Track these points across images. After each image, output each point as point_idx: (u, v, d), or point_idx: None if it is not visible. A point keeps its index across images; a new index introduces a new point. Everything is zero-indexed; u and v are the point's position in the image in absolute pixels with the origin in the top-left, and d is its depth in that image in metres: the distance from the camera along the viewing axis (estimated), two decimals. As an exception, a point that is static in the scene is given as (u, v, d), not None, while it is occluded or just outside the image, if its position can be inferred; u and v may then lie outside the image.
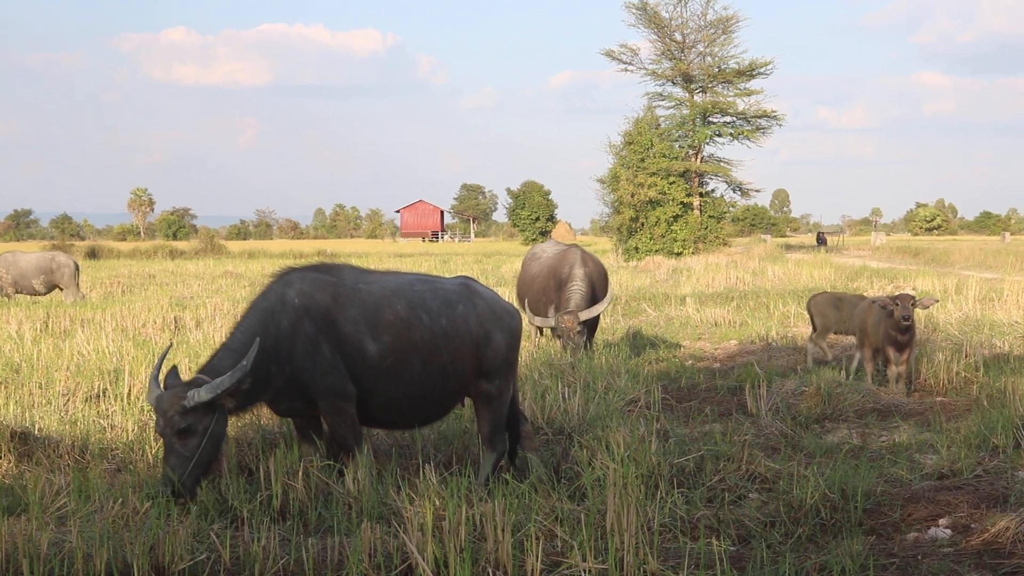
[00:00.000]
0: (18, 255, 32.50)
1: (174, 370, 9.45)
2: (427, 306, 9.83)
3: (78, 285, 32.04)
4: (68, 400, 12.89)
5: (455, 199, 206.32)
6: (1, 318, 23.13)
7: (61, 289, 31.75)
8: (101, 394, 13.00)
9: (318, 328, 9.35)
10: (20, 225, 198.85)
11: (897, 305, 14.72)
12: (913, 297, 14.98)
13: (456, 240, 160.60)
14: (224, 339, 9.75)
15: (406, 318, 9.66)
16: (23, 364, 15.64)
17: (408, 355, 9.62)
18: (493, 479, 9.74)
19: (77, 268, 32.39)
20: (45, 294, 32.04)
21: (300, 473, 8.90)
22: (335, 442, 9.64)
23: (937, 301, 15.90)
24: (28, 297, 31.74)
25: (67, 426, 11.57)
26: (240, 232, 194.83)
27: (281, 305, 9.38)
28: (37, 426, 11.43)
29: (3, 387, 13.91)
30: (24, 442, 10.72)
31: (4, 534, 7.31)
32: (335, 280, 9.69)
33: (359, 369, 9.48)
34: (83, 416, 11.94)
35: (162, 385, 9.20)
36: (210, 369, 9.13)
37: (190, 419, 8.77)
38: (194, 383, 8.95)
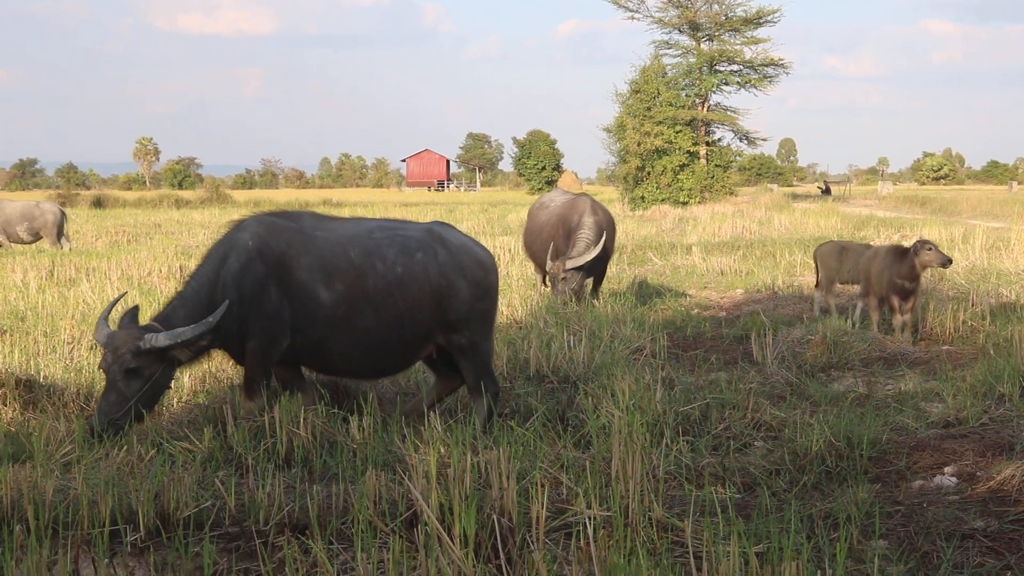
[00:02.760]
0: (3, 203, 32.41)
1: (135, 310, 9.44)
2: (383, 254, 9.70)
3: (63, 234, 31.88)
4: (73, 348, 12.90)
5: (461, 148, 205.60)
6: (6, 267, 23.16)
7: (45, 238, 31.65)
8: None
9: (269, 271, 9.30)
10: (26, 175, 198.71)
11: (931, 250, 14.73)
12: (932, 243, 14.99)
13: (462, 189, 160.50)
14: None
15: (360, 266, 9.56)
16: (28, 313, 15.69)
17: (361, 304, 9.54)
18: (494, 424, 9.76)
19: (64, 217, 32.26)
20: (31, 242, 31.94)
21: (304, 421, 8.91)
22: (244, 380, 9.60)
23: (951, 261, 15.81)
24: (34, 247, 31.72)
25: (72, 374, 11.58)
26: (246, 181, 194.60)
27: (234, 248, 9.32)
28: (42, 374, 11.44)
29: (8, 335, 13.95)
30: (29, 390, 10.73)
31: (9, 480, 7.32)
32: (292, 226, 9.62)
33: (313, 317, 9.43)
34: (88, 364, 11.95)
35: (114, 327, 9.20)
36: (163, 318, 9.12)
37: (140, 361, 8.78)
38: (148, 328, 8.94)
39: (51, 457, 8.37)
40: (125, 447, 8.50)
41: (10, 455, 8.64)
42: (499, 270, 22.64)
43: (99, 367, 9.14)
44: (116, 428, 8.70)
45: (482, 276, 10.18)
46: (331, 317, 9.46)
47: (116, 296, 10.17)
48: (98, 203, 74.78)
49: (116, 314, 10.39)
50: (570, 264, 17.42)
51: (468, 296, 10.01)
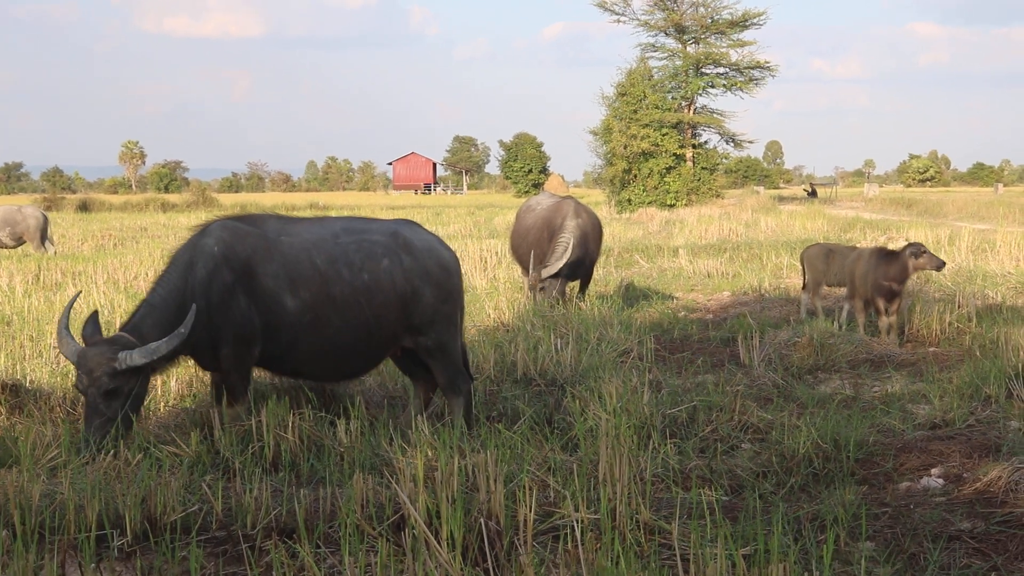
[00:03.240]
0: None
1: (95, 317, 9.32)
2: (349, 260, 9.67)
3: (47, 238, 31.75)
4: (59, 353, 12.87)
5: (447, 151, 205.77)
6: (-8, 271, 23.10)
7: (29, 242, 31.55)
8: (93, 346, 12.98)
9: (236, 278, 9.24)
10: (11, 178, 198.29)
11: (924, 254, 14.75)
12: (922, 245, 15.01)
13: (449, 192, 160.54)
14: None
15: (325, 273, 9.53)
16: (14, 317, 15.66)
17: (327, 311, 9.51)
18: (474, 420, 9.82)
19: (46, 221, 32.11)
20: (14, 247, 31.77)
21: (292, 424, 8.90)
22: (225, 387, 9.55)
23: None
24: (19, 251, 31.62)
25: (58, 379, 11.56)
26: (232, 185, 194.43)
27: (200, 254, 9.25)
28: (28, 378, 11.43)
29: (-6, 340, 13.92)
30: (15, 394, 10.71)
31: (-5, 486, 7.31)
32: (257, 231, 9.55)
33: (279, 323, 9.39)
34: (74, 369, 11.91)
35: (78, 336, 9.14)
36: (132, 328, 9.04)
37: (118, 381, 8.72)
38: (118, 341, 8.86)
39: (37, 462, 8.34)
40: (112, 451, 8.48)
41: (-4, 460, 8.63)
42: (487, 273, 22.85)
43: (74, 387, 9.09)
44: (100, 447, 8.61)
45: (445, 278, 10.18)
46: (297, 324, 9.44)
47: (71, 299, 10.08)
48: (84, 207, 74.66)
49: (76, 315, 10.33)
50: (545, 272, 17.49)
51: (432, 300, 10.01)
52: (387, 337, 9.91)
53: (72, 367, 11.66)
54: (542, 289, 17.50)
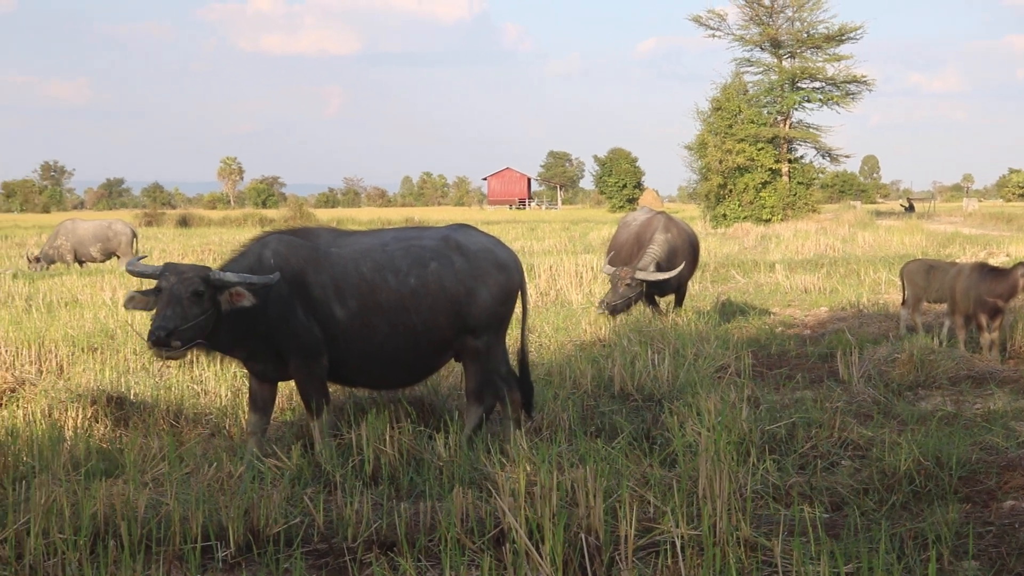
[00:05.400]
0: (77, 223, 32.94)
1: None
2: (395, 266, 9.74)
3: (136, 253, 32.23)
4: (162, 366, 13.07)
5: (542, 166, 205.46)
6: (95, 285, 23.54)
7: (119, 257, 32.07)
8: (194, 360, 13.16)
9: (292, 290, 9.38)
10: (113, 194, 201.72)
11: None
12: None
13: (543, 207, 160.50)
14: None
15: (371, 280, 9.63)
16: (117, 330, 15.88)
17: (375, 318, 9.61)
18: (480, 434, 9.85)
19: (135, 236, 32.68)
20: (103, 261, 32.38)
21: (391, 438, 8.97)
22: (302, 401, 9.73)
23: None
24: (117, 265, 32.15)
25: (161, 391, 11.76)
26: (328, 200, 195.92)
27: (258, 264, 9.39)
28: (132, 391, 11.63)
29: (99, 353, 14.17)
30: (120, 407, 10.93)
31: (103, 496, 7.44)
32: (309, 244, 9.71)
33: (330, 333, 9.51)
34: (177, 382, 12.12)
35: None
36: None
37: (206, 287, 8.85)
38: None
39: (143, 473, 8.51)
40: (215, 464, 8.61)
41: (102, 471, 8.79)
42: (582, 288, 22.85)
43: (157, 287, 8.98)
44: (172, 345, 8.64)
45: (504, 278, 10.21)
46: (347, 332, 9.56)
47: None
48: (183, 222, 75.90)
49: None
50: (640, 275, 17.33)
51: (491, 301, 10.06)
52: (438, 341, 9.96)
53: (175, 382, 11.88)
54: (628, 285, 17.26)
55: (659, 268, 17.61)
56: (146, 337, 8.72)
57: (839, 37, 69.32)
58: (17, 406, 11.13)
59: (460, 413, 10.35)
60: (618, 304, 17.22)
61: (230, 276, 8.91)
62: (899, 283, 18.37)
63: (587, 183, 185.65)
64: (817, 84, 70.34)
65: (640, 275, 17.34)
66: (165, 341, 8.54)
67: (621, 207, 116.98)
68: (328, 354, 9.59)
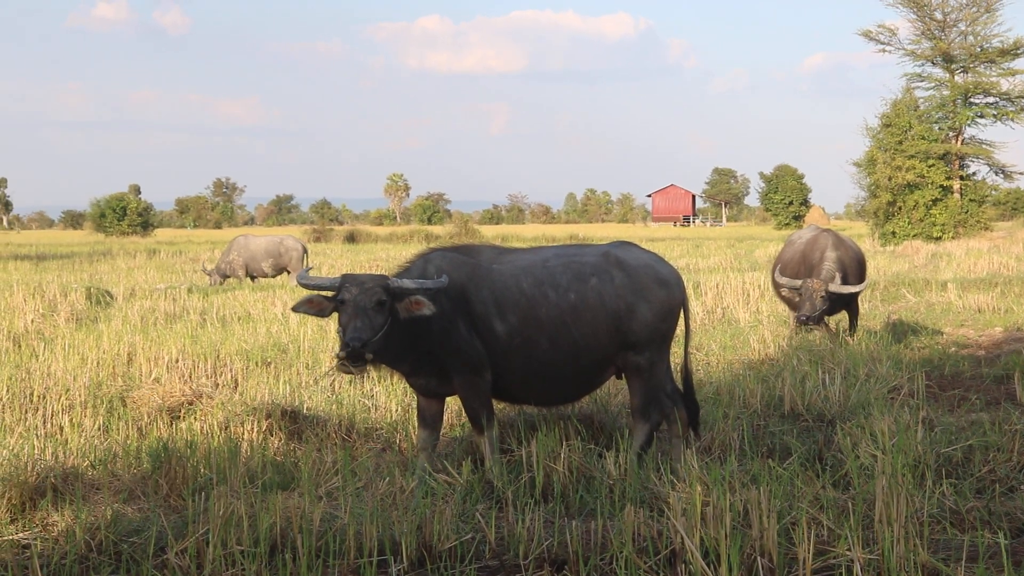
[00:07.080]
0: (249, 238, 33.63)
1: None
2: (555, 282, 9.76)
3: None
4: (334, 380, 13.28)
5: (706, 183, 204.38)
6: (267, 300, 23.99)
7: (289, 272, 32.67)
8: (365, 376, 13.35)
9: (454, 305, 9.47)
10: (282, 210, 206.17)
11: None
12: None
13: (708, 224, 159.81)
14: None
15: (531, 296, 9.66)
16: (290, 345, 16.18)
17: (535, 333, 9.64)
18: (649, 452, 9.79)
19: (305, 252, 33.27)
20: (274, 276, 33.02)
21: (561, 456, 8.99)
22: (467, 416, 9.81)
23: None
24: (283, 279, 32.84)
25: (334, 406, 11.95)
26: (493, 217, 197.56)
27: (421, 279, 9.47)
28: (305, 406, 11.83)
29: (272, 367, 14.46)
30: (294, 421, 11.15)
31: (279, 508, 7.59)
32: (472, 261, 9.81)
33: (491, 348, 9.57)
34: (348, 396, 12.30)
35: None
36: None
37: (387, 296, 9.04)
38: None
39: (317, 487, 8.64)
40: (388, 478, 8.73)
41: (277, 484, 8.96)
42: (749, 306, 22.66)
43: (335, 297, 9.20)
44: (363, 356, 8.82)
45: (665, 294, 10.13)
46: (508, 348, 9.62)
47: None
48: (351, 238, 77.16)
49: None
50: (833, 288, 17.11)
51: (651, 317, 9.99)
52: (598, 357, 9.95)
53: (347, 397, 12.05)
54: (823, 297, 17.07)
55: (834, 281, 17.43)
56: (339, 349, 8.92)
57: (1014, 51, 67.59)
58: (195, 419, 11.41)
59: (629, 431, 10.34)
60: (816, 316, 17.06)
61: (408, 283, 9.12)
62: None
63: (752, 200, 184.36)
64: (991, 99, 68.76)
65: (833, 288, 17.15)
66: (360, 353, 8.73)
67: (787, 224, 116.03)
68: (491, 369, 9.68)
